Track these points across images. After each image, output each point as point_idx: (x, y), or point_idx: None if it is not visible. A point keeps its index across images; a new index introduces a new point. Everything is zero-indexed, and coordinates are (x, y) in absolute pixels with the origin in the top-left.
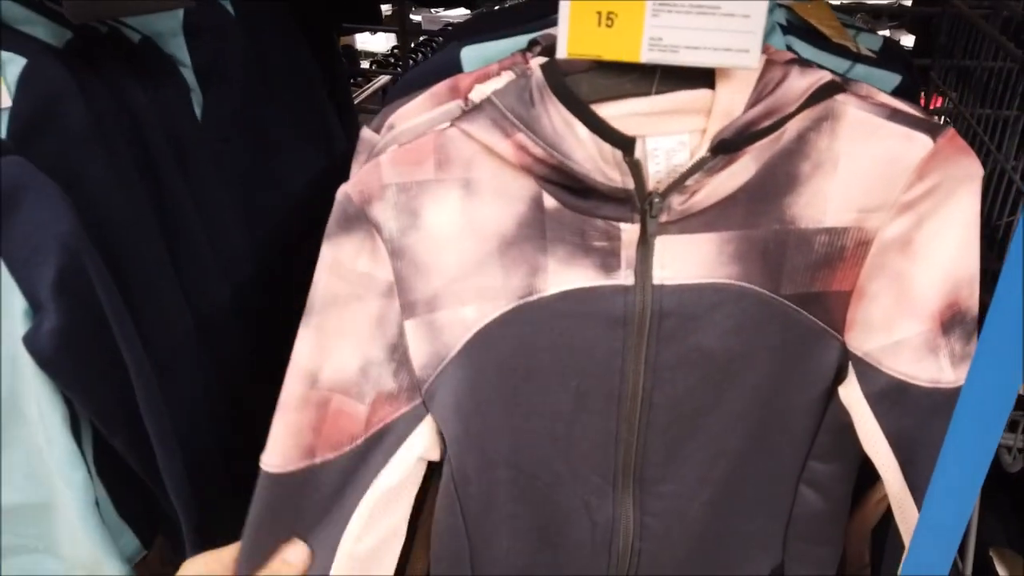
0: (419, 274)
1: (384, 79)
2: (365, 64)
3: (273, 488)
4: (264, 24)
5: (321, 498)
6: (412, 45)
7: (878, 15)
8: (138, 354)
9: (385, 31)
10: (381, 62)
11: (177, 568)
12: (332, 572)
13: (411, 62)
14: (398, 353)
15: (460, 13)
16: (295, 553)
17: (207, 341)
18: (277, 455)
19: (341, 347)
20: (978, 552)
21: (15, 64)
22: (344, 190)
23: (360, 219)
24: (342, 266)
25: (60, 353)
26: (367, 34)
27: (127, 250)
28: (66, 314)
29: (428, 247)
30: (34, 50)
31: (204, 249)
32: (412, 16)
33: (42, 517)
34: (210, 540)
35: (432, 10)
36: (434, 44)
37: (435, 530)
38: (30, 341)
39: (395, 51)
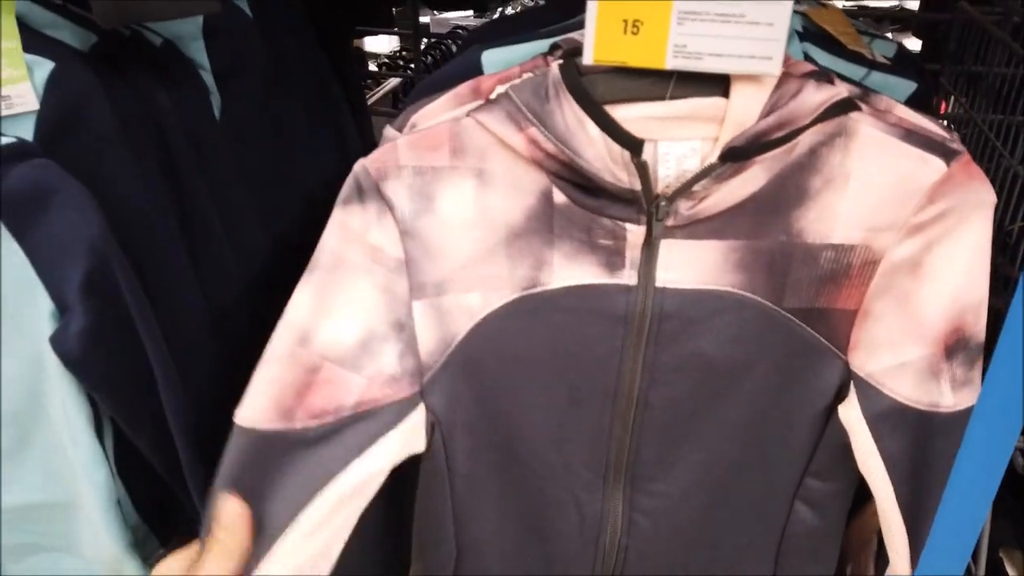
0: (429, 257)
1: (394, 81)
2: (373, 67)
3: (242, 444)
4: (280, 26)
5: (286, 468)
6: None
7: (880, 19)
8: (163, 355)
9: (398, 34)
10: (388, 64)
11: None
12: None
13: (422, 64)
14: (405, 333)
15: (464, 15)
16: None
17: (225, 339)
18: (251, 409)
19: (341, 314)
20: (989, 554)
21: (43, 68)
22: (362, 163)
23: (374, 193)
24: (352, 233)
25: (87, 354)
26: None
27: (149, 250)
28: (93, 315)
29: (439, 232)
30: (61, 54)
31: (223, 249)
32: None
33: (63, 516)
34: None
35: (436, 12)
36: (443, 46)
37: (420, 507)
38: (57, 342)
39: (403, 52)
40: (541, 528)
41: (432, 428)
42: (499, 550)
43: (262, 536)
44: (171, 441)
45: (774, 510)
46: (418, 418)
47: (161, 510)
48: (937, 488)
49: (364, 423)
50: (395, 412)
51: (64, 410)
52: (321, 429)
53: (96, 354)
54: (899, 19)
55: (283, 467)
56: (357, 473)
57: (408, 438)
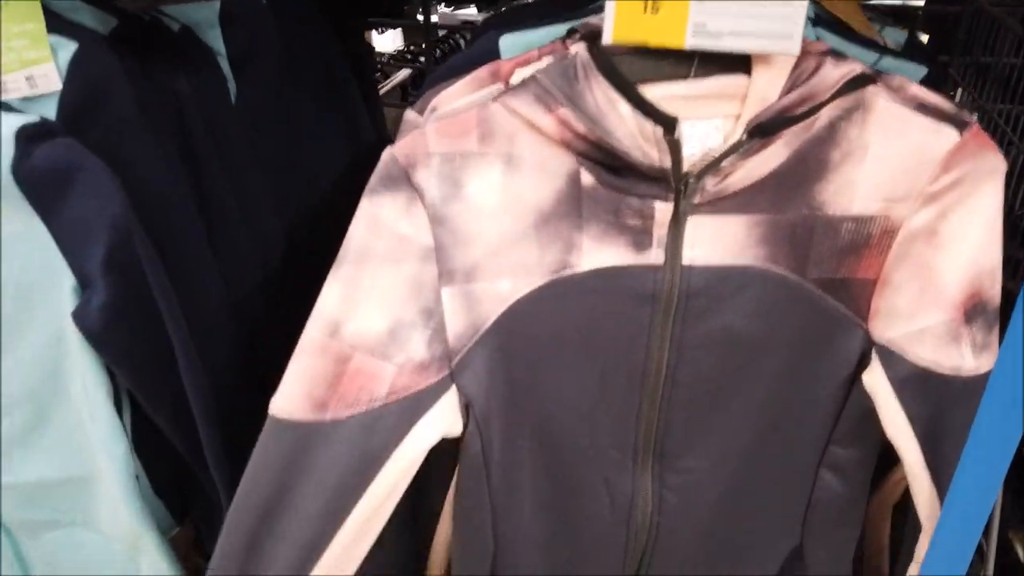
0: (458, 244)
1: (403, 74)
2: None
3: (276, 435)
4: (294, 14)
5: (324, 459)
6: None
7: (887, 15)
8: (183, 332)
9: (409, 24)
10: (398, 57)
11: (204, 552)
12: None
13: (432, 58)
14: (434, 320)
15: (471, 12)
16: None
17: (241, 320)
18: (285, 399)
19: (370, 305)
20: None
21: (66, 49)
22: (390, 151)
23: (403, 181)
24: (381, 224)
25: (108, 328)
26: (374, 33)
27: (169, 231)
28: (115, 290)
29: (469, 218)
30: (84, 36)
31: (239, 231)
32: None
33: (81, 491)
34: None
35: (444, 6)
36: (451, 40)
37: (459, 494)
38: (79, 317)
39: (410, 48)
40: (573, 514)
41: (467, 409)
42: (533, 539)
43: (298, 528)
44: (190, 418)
45: (800, 479)
46: (451, 400)
47: (177, 488)
48: (959, 454)
49: (397, 410)
50: (427, 397)
51: (84, 386)
52: (355, 419)
53: (117, 329)
54: (906, 15)
55: (320, 458)
56: (396, 460)
57: (443, 421)
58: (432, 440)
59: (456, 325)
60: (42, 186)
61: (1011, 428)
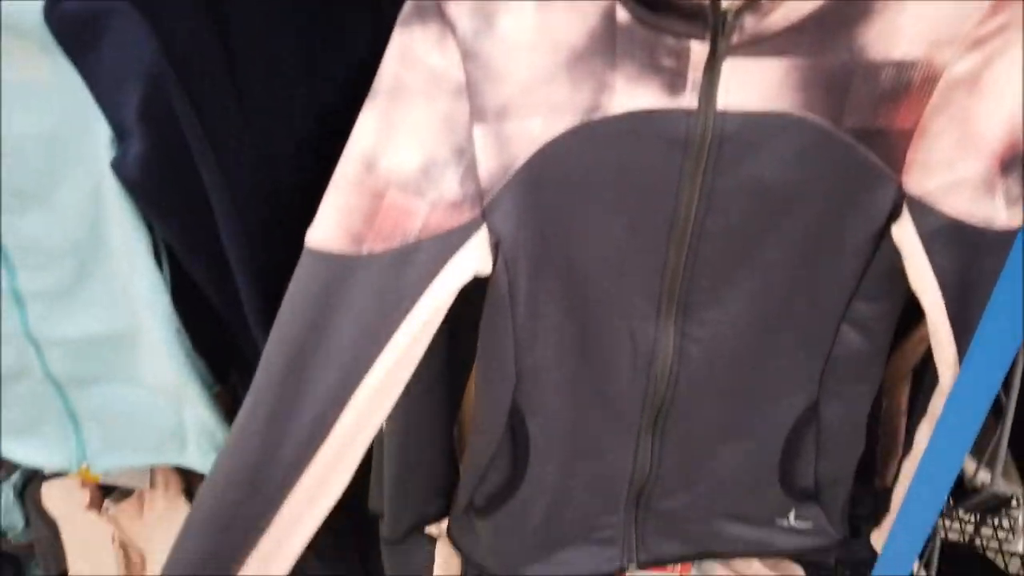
0: (490, 80)
1: None
2: None
3: (314, 266)
4: None
5: (358, 294)
6: None
7: None
8: (219, 182)
9: None
10: None
11: None
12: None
13: None
14: (465, 158)
15: None
16: None
17: (273, 180)
18: (323, 231)
19: (404, 139)
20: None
21: None
22: None
23: (435, 13)
24: (413, 56)
25: (146, 178)
26: None
27: (200, 85)
28: (151, 140)
29: (500, 53)
30: None
31: (267, 91)
32: None
33: (126, 346)
34: None
35: None
36: None
37: (484, 328)
38: (118, 166)
39: None
40: (597, 356)
41: (496, 249)
42: (556, 377)
43: (338, 354)
44: (227, 270)
45: (822, 334)
46: (481, 239)
47: (217, 346)
48: (982, 307)
49: (430, 247)
50: (459, 236)
51: (124, 239)
52: (391, 254)
53: (155, 178)
54: None
55: (357, 290)
56: (430, 295)
57: (474, 260)
58: (464, 278)
59: (488, 164)
60: (74, 32)
61: None
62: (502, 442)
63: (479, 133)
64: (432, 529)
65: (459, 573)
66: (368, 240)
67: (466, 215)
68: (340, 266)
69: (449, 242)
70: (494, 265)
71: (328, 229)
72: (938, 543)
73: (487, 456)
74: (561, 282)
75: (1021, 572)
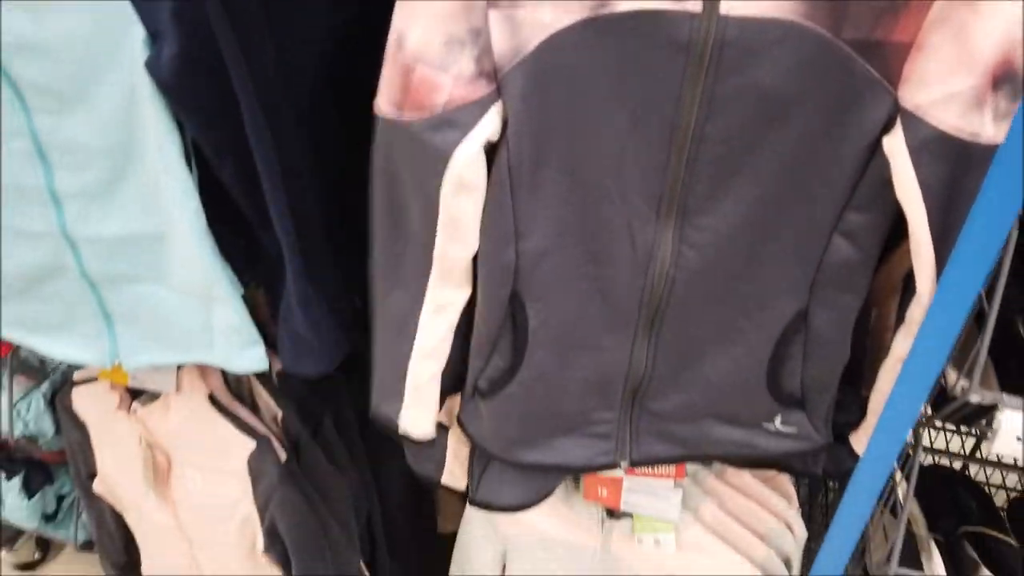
0: None
1: None
2: None
3: (381, 128)
4: None
5: (408, 154)
6: None
7: None
8: (247, 83)
9: None
10: None
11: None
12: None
13: None
14: (481, 39)
15: None
16: None
17: (297, 95)
18: (381, 99)
19: (426, 19)
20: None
21: None
22: None
23: None
24: None
25: (179, 78)
26: None
27: None
28: (185, 41)
29: None
30: None
31: (293, 10)
32: None
33: (155, 247)
34: (315, 284)
35: None
36: None
37: (487, 210)
38: (152, 67)
39: None
40: (596, 251)
41: (504, 124)
42: (555, 266)
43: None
44: (254, 171)
45: (814, 243)
46: (498, 110)
47: (242, 251)
48: (964, 219)
49: (456, 117)
50: (479, 107)
51: (157, 141)
52: (424, 122)
53: (188, 78)
54: None
55: (403, 151)
56: (464, 152)
57: (492, 128)
58: (486, 136)
59: (500, 45)
60: None
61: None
62: (503, 327)
63: (494, 16)
64: (443, 418)
65: (467, 462)
66: (406, 109)
67: (484, 89)
68: (393, 128)
69: (471, 113)
70: (500, 139)
71: (382, 97)
72: (919, 456)
73: (490, 341)
74: (563, 172)
75: (1004, 506)
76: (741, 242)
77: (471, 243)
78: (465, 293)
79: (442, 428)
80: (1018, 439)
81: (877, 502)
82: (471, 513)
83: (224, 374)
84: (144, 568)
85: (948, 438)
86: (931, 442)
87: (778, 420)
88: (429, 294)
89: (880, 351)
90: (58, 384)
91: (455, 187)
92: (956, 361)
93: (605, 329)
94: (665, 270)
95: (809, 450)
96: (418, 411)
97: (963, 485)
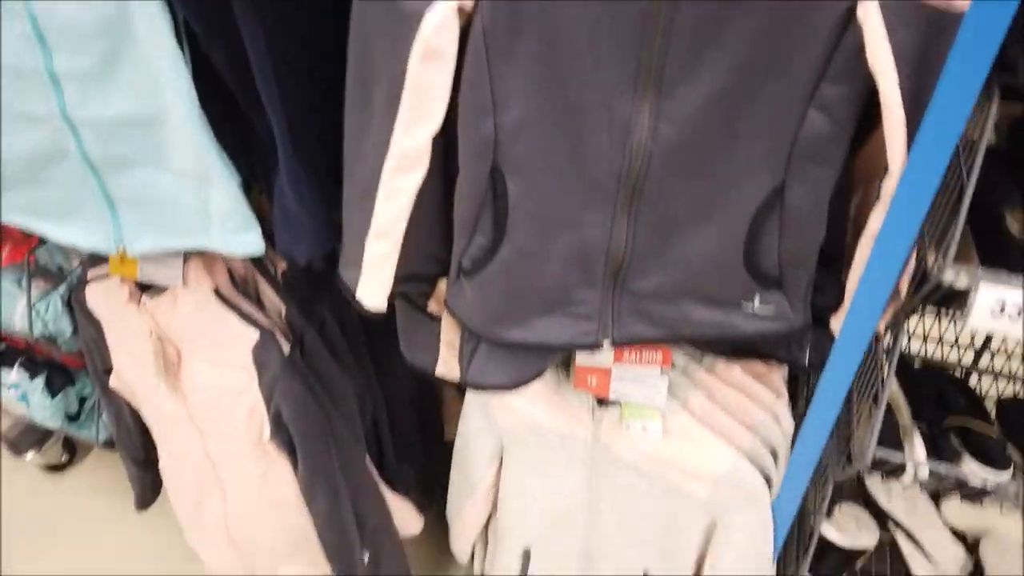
0: None
1: None
2: None
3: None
4: None
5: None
6: None
7: None
8: None
9: None
10: None
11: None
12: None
13: None
14: None
15: None
16: None
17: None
18: None
19: None
20: (993, 215)
21: None
22: None
23: None
24: None
25: None
26: None
27: None
28: None
29: None
30: None
31: None
32: None
33: (152, 130)
34: (303, 162)
35: None
36: None
37: (464, 80)
38: None
39: None
40: (574, 125)
41: None
42: (534, 139)
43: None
44: (243, 53)
45: (789, 117)
46: None
47: (238, 145)
48: (932, 90)
49: None
50: None
51: (149, 20)
52: None
53: None
54: None
55: (379, 18)
56: (433, 16)
57: None
58: (452, 5)
59: None
60: None
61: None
62: (484, 204)
63: None
64: (434, 308)
65: (459, 347)
66: None
67: None
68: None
69: None
70: (475, 5)
71: None
72: (900, 342)
73: (472, 218)
74: (538, 41)
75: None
76: (717, 116)
77: (435, 117)
78: (420, 175)
79: (434, 318)
80: (992, 313)
81: (855, 383)
82: (469, 408)
83: (230, 272)
84: (161, 462)
85: (946, 352)
86: (925, 334)
87: (756, 300)
88: (384, 176)
89: (861, 233)
90: (74, 286)
91: (423, 53)
92: (938, 244)
93: (585, 205)
94: (642, 144)
95: (787, 332)
96: (372, 285)
97: (954, 384)
